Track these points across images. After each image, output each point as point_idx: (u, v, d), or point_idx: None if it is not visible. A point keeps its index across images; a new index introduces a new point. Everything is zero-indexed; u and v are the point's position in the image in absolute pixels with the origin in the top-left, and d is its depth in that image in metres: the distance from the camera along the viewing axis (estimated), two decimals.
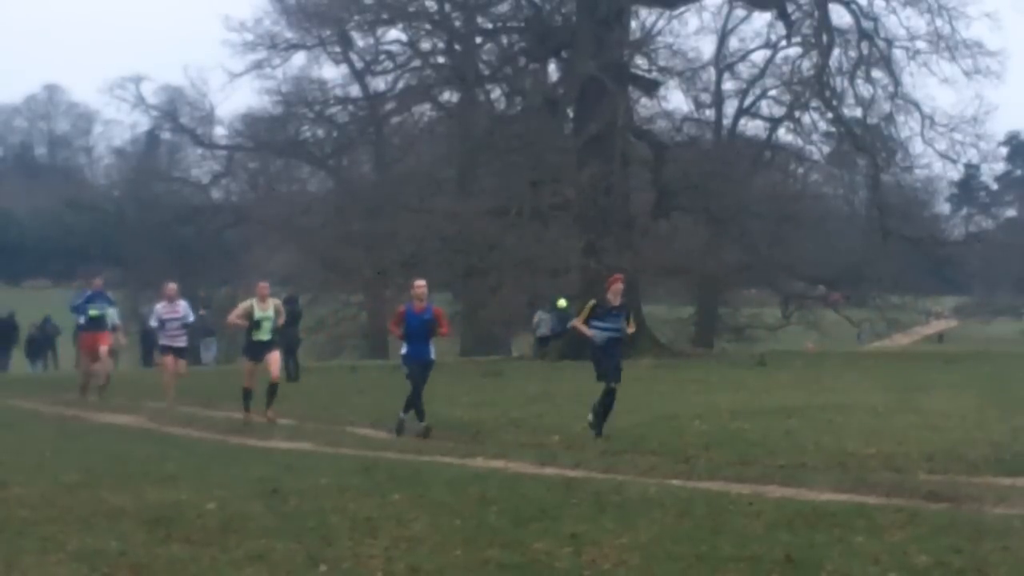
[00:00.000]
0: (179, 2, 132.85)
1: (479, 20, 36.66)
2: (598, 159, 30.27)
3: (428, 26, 37.21)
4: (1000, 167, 73.42)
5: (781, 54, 36.81)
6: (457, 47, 36.90)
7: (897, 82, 34.09)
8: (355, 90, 41.28)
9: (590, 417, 13.14)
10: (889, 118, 34.73)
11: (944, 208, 67.16)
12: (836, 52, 33.91)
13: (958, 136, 34.67)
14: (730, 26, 38.74)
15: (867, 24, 33.59)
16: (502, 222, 30.59)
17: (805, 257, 34.99)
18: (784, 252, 33.97)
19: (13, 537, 7.67)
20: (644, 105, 35.56)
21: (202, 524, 7.99)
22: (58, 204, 62.65)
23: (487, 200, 32.75)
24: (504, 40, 36.39)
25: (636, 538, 7.36)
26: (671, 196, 32.54)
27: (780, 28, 35.57)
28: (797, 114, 36.12)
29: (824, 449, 11.39)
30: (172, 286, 18.36)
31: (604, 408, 13.08)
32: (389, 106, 40.36)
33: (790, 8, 34.21)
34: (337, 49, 40.22)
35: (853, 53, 34.00)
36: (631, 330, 13.43)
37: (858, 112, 34.57)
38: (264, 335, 15.26)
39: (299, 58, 43.52)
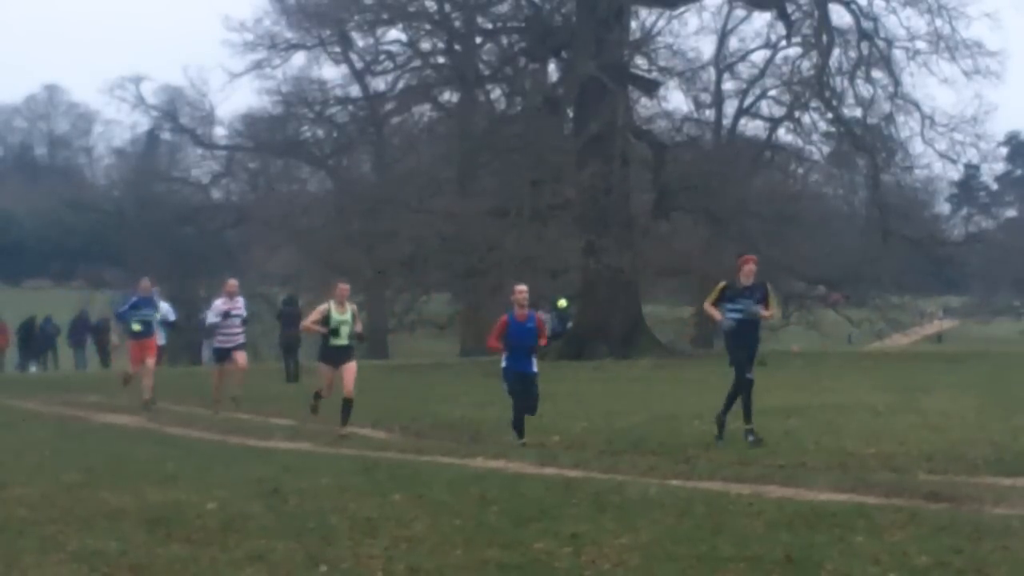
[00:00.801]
0: (179, 2, 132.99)
1: (479, 20, 36.67)
2: (598, 159, 30.27)
3: (428, 26, 37.23)
4: (1000, 167, 73.40)
5: (781, 54, 36.86)
6: (457, 47, 36.92)
7: (897, 82, 34.10)
8: (355, 90, 41.38)
9: (720, 414, 12.17)
10: (889, 118, 34.72)
11: (944, 208, 67.18)
12: (836, 52, 33.92)
13: (958, 136, 34.67)
14: (730, 26, 38.81)
15: (867, 24, 33.60)
16: (502, 222, 30.60)
17: (805, 257, 34.95)
18: (784, 252, 33.92)
19: (13, 537, 7.67)
20: (644, 105, 35.58)
21: (202, 524, 8.00)
22: (58, 204, 62.64)
23: (487, 200, 32.75)
24: (504, 40, 36.40)
25: (636, 538, 7.36)
26: (671, 196, 32.54)
27: (780, 28, 35.62)
28: (797, 114, 36.11)
29: (824, 449, 11.39)
30: (233, 282, 17.80)
31: (732, 401, 12.10)
32: (389, 106, 40.40)
33: (790, 8, 34.22)
34: (337, 49, 40.29)
35: (853, 53, 34.00)
36: (768, 314, 12.24)
37: (858, 112, 34.57)
38: (342, 340, 14.18)
39: (299, 58, 43.64)
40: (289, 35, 39.60)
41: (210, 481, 9.79)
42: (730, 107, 39.28)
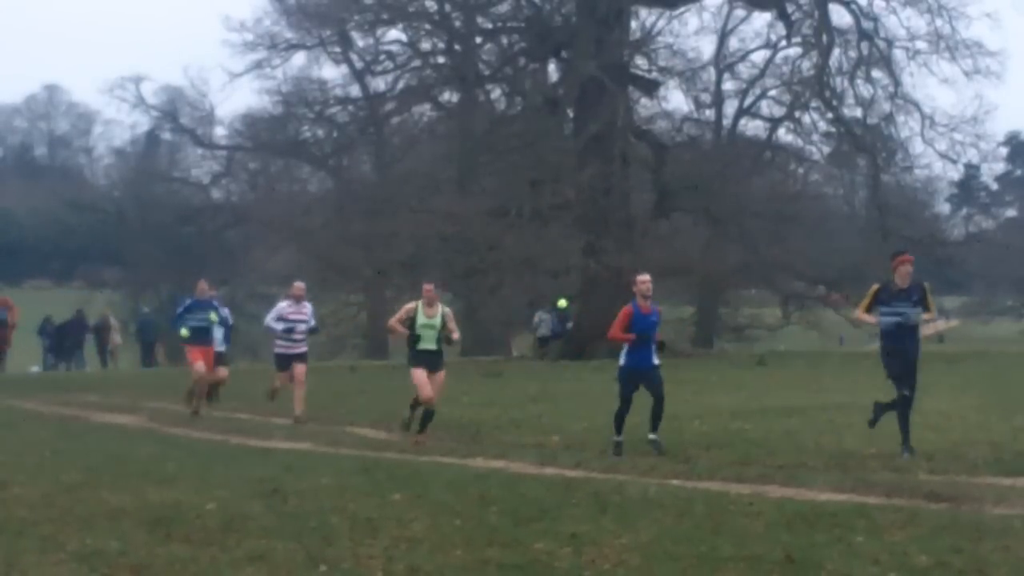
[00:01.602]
0: (179, 2, 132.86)
1: (479, 20, 36.69)
2: (598, 159, 30.28)
3: (428, 26, 37.26)
4: (1000, 167, 73.25)
5: (781, 54, 36.91)
6: (457, 47, 36.93)
7: (897, 82, 34.12)
8: (355, 90, 41.36)
9: (876, 415, 11.34)
10: (889, 118, 34.75)
11: (944, 208, 67.18)
12: (836, 52, 33.94)
13: (958, 136, 34.72)
14: (730, 26, 38.83)
15: (867, 24, 33.61)
16: (502, 222, 30.60)
17: (805, 257, 34.98)
18: (784, 252, 33.96)
19: (13, 537, 7.68)
20: (644, 105, 35.61)
21: (202, 524, 8.00)
22: (58, 204, 62.60)
23: (487, 200, 32.76)
24: (504, 40, 36.42)
25: (636, 538, 7.36)
26: (671, 196, 32.54)
27: (780, 28, 35.65)
28: (797, 114, 36.15)
29: (824, 449, 11.38)
30: (300, 285, 16.15)
31: (898, 415, 11.00)
32: (389, 106, 40.41)
33: (790, 8, 34.23)
34: (337, 49, 40.29)
35: (853, 53, 34.03)
36: (928, 317, 11.11)
37: (858, 112, 34.60)
38: (430, 344, 12.97)
39: (299, 58, 43.64)
40: (289, 35, 39.63)
41: (210, 481, 9.79)
42: (730, 107, 39.37)
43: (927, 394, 17.06)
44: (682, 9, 35.64)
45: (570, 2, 33.71)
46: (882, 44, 33.93)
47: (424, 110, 40.20)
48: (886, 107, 34.53)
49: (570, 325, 30.99)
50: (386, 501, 8.77)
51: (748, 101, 39.12)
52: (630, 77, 33.15)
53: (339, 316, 39.53)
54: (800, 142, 38.25)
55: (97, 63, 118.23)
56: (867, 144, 34.53)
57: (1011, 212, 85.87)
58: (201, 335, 16.30)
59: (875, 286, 11.29)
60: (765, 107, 39.10)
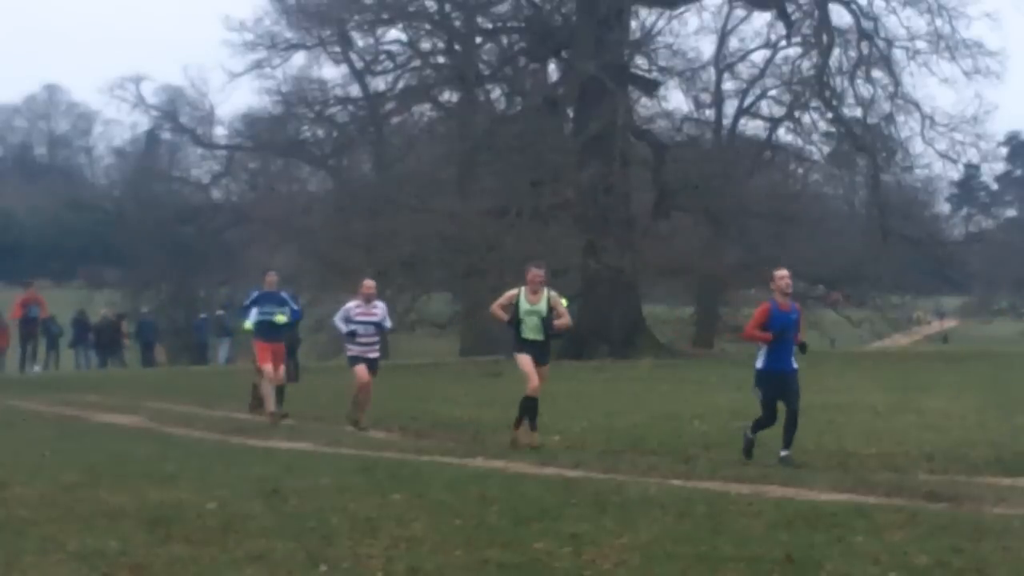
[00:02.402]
0: (179, 2, 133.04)
1: (479, 20, 36.71)
2: (598, 159, 30.29)
3: (428, 26, 37.27)
4: (1000, 167, 73.38)
5: (781, 54, 36.86)
6: (457, 47, 36.95)
7: (897, 82, 34.13)
8: (355, 90, 41.35)
9: None
10: (889, 118, 34.75)
11: (944, 208, 67.23)
12: (836, 52, 33.97)
13: (958, 136, 34.73)
14: (730, 26, 38.75)
15: (867, 24, 33.63)
16: (502, 222, 30.60)
17: (805, 257, 34.97)
18: (784, 252, 33.93)
19: (13, 537, 7.67)
20: (644, 105, 35.64)
21: (202, 524, 7.99)
22: (58, 204, 62.66)
23: (487, 200, 32.76)
24: (504, 40, 36.44)
25: (636, 538, 7.35)
26: (671, 196, 32.56)
27: (780, 28, 35.63)
28: (797, 114, 36.15)
29: (824, 449, 11.38)
30: (370, 283, 14.84)
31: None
32: (389, 106, 40.41)
33: (790, 8, 34.25)
34: (337, 49, 40.27)
35: (853, 53, 34.04)
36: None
37: (858, 112, 34.60)
38: (533, 333, 12.09)
39: (299, 58, 43.58)
40: (289, 35, 39.63)
41: (210, 481, 9.78)
42: (730, 107, 39.28)
43: (927, 394, 17.12)
44: (682, 9, 35.68)
45: (570, 2, 33.72)
46: (882, 44, 33.97)
47: (424, 110, 40.21)
48: (886, 107, 34.56)
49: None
50: (386, 501, 8.77)
51: (748, 101, 39.07)
52: (630, 77, 33.17)
53: None
54: (800, 142, 38.28)
55: (97, 63, 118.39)
56: (867, 144, 34.54)
57: (1011, 212, 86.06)
58: (269, 330, 15.14)
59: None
60: (765, 107, 39.07)
